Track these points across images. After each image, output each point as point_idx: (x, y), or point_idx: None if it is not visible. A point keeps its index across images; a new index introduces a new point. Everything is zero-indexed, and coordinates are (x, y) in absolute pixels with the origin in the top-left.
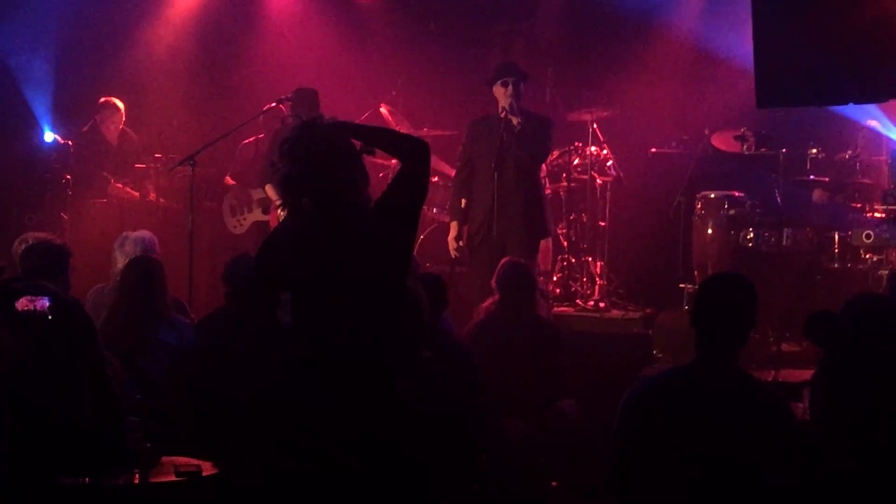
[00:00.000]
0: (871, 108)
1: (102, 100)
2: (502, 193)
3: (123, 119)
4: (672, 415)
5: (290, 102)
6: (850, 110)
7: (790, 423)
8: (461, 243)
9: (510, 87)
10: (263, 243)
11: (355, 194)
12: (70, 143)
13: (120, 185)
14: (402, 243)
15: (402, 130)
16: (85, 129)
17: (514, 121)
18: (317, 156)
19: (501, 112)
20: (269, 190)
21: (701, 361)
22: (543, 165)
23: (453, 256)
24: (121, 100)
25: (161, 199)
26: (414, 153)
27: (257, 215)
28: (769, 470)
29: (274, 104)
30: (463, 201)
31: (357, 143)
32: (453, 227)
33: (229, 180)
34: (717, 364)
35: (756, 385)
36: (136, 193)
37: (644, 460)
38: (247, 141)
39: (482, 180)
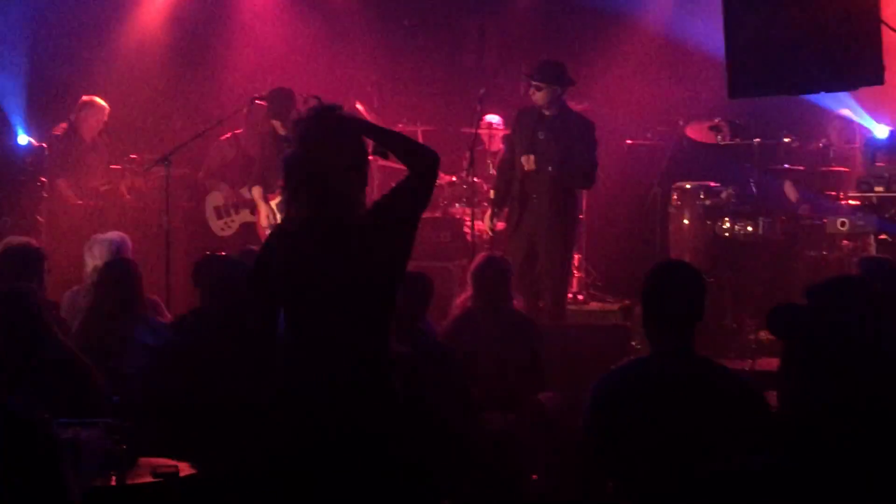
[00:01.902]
0: (844, 96)
1: (85, 98)
2: (532, 188)
3: (105, 119)
4: (634, 405)
5: (267, 102)
6: (823, 99)
7: (755, 406)
8: (494, 227)
9: (531, 89)
10: (256, 263)
11: (352, 195)
12: (44, 145)
13: (64, 185)
14: (396, 253)
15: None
16: (58, 130)
17: (547, 113)
18: (327, 142)
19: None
20: (256, 192)
21: (657, 351)
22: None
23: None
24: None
25: (133, 199)
26: (425, 164)
27: (245, 216)
28: (736, 455)
29: (250, 102)
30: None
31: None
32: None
33: (202, 178)
34: (674, 351)
35: (716, 369)
36: (78, 199)
37: (612, 451)
38: (224, 137)
39: (518, 172)
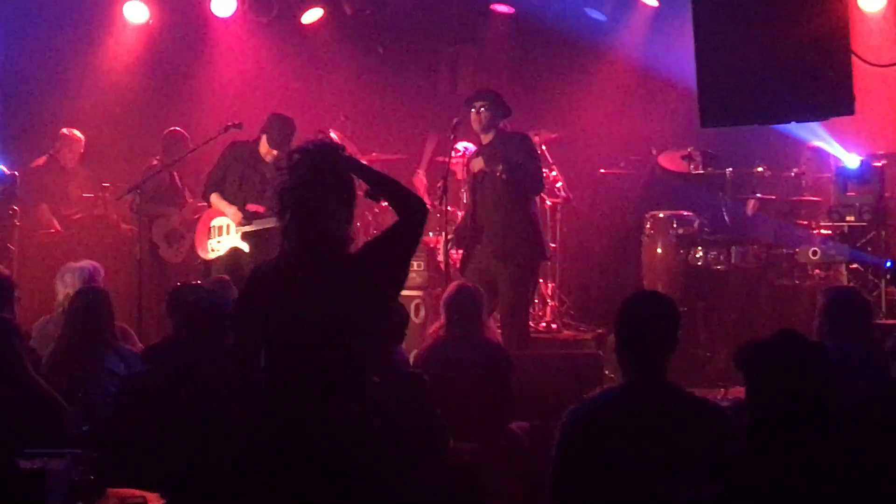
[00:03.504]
0: (815, 125)
1: (64, 131)
2: (479, 215)
3: (82, 150)
4: (606, 435)
5: (268, 127)
6: (795, 129)
7: (727, 436)
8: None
9: (473, 112)
10: (241, 297)
11: (340, 232)
12: (16, 173)
13: (45, 210)
14: (381, 293)
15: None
16: (39, 162)
17: (485, 140)
18: (322, 178)
19: (485, 140)
20: (215, 199)
21: (630, 381)
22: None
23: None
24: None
25: (105, 228)
26: (415, 212)
27: (189, 240)
28: (706, 482)
29: (224, 129)
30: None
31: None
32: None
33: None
34: (647, 381)
35: (688, 399)
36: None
37: (583, 482)
38: (152, 163)
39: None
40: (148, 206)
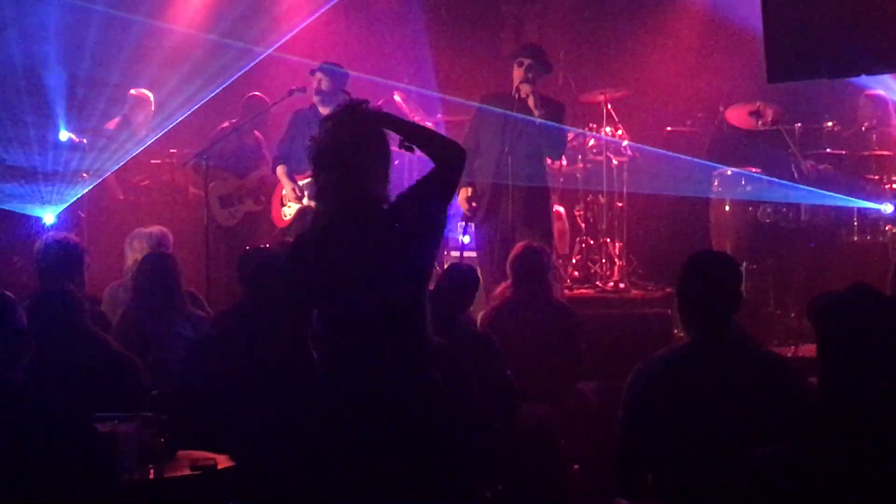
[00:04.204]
0: (887, 77)
1: (133, 91)
2: (510, 174)
3: (153, 108)
4: (673, 394)
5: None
6: (863, 82)
7: (797, 392)
8: (474, 204)
9: (522, 69)
10: (289, 258)
11: (376, 188)
12: (84, 140)
13: (112, 180)
14: (423, 244)
15: (415, 118)
16: (112, 124)
17: (531, 105)
18: (351, 137)
19: (515, 92)
20: (280, 172)
21: (694, 339)
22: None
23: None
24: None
25: (193, 190)
26: (451, 158)
27: (249, 206)
28: (779, 441)
29: (289, 93)
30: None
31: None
32: (463, 191)
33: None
34: (711, 340)
35: (756, 355)
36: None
37: (651, 441)
38: (223, 125)
39: (487, 157)
40: (210, 170)
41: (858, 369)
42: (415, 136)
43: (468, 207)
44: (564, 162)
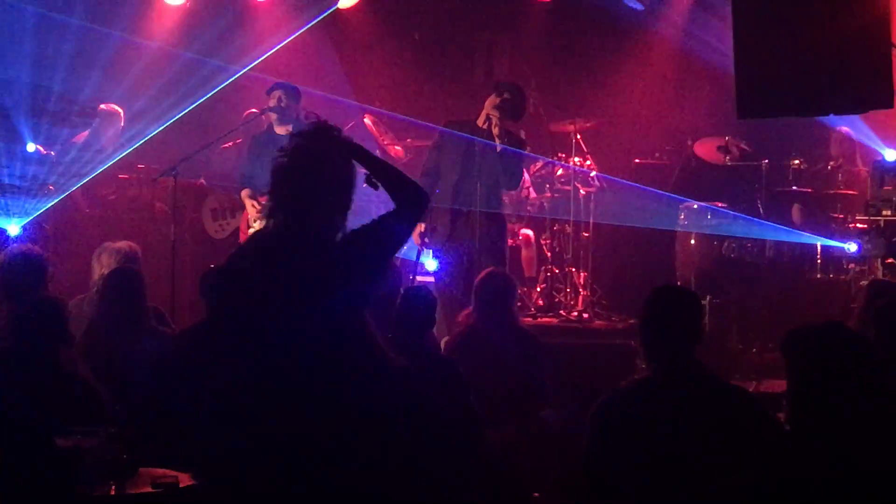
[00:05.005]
0: (854, 118)
1: (103, 106)
2: (472, 200)
3: (122, 124)
4: (637, 425)
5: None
6: (831, 119)
7: (761, 423)
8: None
9: (499, 100)
10: (225, 264)
11: (332, 215)
12: (52, 153)
13: (78, 194)
14: (362, 279)
15: (384, 141)
16: (81, 136)
17: (496, 133)
18: (318, 161)
19: (482, 122)
20: (244, 195)
21: (656, 371)
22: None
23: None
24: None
25: (159, 205)
26: (414, 201)
27: (239, 220)
28: (739, 472)
29: (261, 112)
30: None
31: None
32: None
33: (202, 182)
34: (672, 372)
35: (718, 387)
36: (86, 208)
37: (615, 471)
38: (227, 145)
39: (447, 182)
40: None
41: (831, 403)
42: (382, 174)
43: (419, 232)
44: (533, 193)
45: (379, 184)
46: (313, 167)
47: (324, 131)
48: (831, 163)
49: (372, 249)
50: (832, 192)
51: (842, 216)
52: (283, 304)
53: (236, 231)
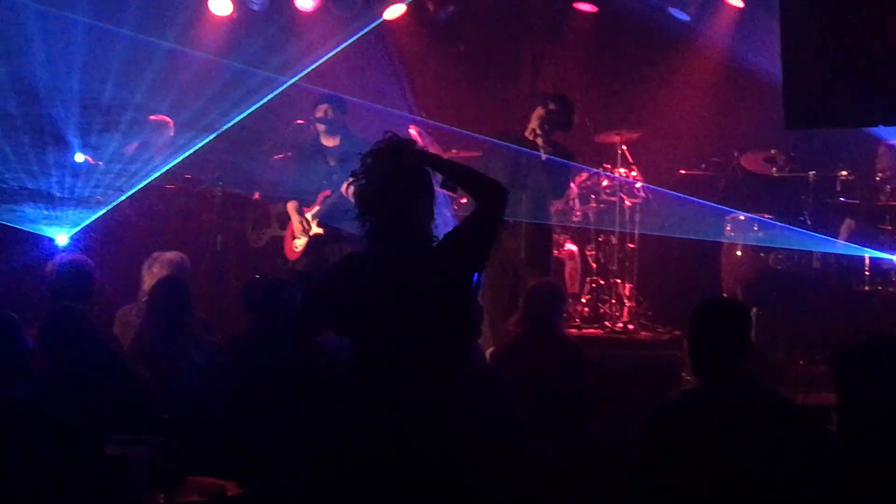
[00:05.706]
0: None
1: (153, 118)
2: (518, 211)
3: (172, 134)
4: (685, 437)
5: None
6: (879, 131)
7: (810, 434)
8: None
9: (545, 111)
10: (321, 289)
11: (420, 229)
12: (100, 163)
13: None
14: (465, 285)
15: (431, 152)
16: (132, 146)
17: (540, 144)
18: (394, 176)
19: (529, 133)
20: (290, 208)
21: (703, 384)
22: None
23: None
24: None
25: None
26: (494, 198)
27: (275, 230)
28: (791, 486)
29: (307, 125)
30: None
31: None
32: None
33: (257, 195)
34: (723, 385)
35: (769, 399)
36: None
37: (663, 485)
38: (278, 157)
39: None
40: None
41: (881, 416)
42: (457, 175)
43: None
44: (578, 203)
45: (456, 186)
46: (399, 190)
47: (396, 148)
48: (879, 174)
49: (466, 251)
50: (880, 203)
51: (891, 227)
52: (407, 321)
53: (272, 240)
